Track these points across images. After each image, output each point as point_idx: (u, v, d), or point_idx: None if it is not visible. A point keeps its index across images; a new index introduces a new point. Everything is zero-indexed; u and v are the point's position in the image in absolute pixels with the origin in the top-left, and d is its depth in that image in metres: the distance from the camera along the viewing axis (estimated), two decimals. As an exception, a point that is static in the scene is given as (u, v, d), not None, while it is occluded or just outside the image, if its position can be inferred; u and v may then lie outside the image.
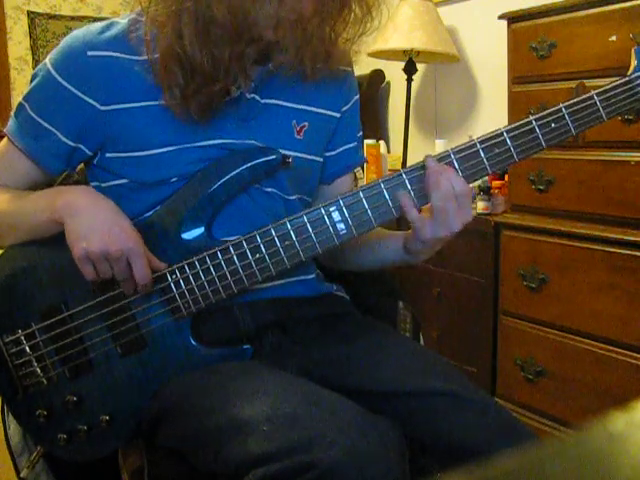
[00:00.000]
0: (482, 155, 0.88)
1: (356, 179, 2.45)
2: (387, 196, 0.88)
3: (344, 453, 0.68)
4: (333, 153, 1.07)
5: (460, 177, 0.87)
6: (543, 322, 1.82)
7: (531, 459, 0.30)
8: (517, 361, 1.89)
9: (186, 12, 0.83)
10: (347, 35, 0.92)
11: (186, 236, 0.91)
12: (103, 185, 0.96)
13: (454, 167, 0.88)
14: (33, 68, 3.62)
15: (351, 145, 1.09)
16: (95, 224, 0.85)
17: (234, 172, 0.91)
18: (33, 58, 3.63)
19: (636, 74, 0.87)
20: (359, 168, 2.52)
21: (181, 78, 0.86)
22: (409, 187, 0.88)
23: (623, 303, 1.61)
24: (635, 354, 1.59)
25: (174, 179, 0.91)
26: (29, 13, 3.61)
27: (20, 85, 3.54)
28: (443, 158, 0.88)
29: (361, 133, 1.12)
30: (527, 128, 0.87)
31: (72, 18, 3.67)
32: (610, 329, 1.64)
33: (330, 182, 1.08)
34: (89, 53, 0.89)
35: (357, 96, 1.09)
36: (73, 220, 0.86)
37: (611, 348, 1.64)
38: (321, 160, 1.04)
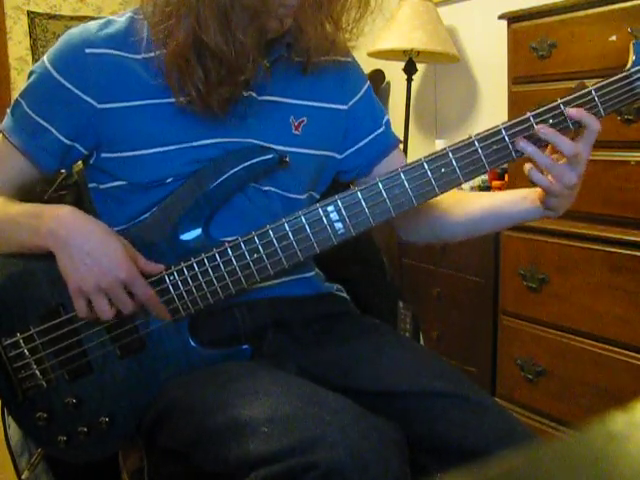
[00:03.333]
0: (480, 152, 0.88)
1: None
2: (385, 195, 0.88)
3: (345, 454, 0.68)
4: (359, 145, 1.06)
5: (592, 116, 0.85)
6: (543, 322, 1.82)
7: (531, 459, 0.30)
8: (517, 361, 1.89)
9: (205, 3, 0.81)
10: (343, 22, 0.92)
11: (183, 237, 0.91)
12: (101, 187, 0.96)
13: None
14: (33, 68, 3.61)
15: (377, 132, 1.07)
16: (83, 258, 0.84)
17: (230, 172, 0.90)
18: (33, 58, 3.63)
19: (635, 68, 0.87)
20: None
21: (201, 72, 0.85)
22: (407, 186, 0.88)
23: (623, 303, 1.61)
24: (635, 354, 1.59)
25: (169, 179, 0.91)
26: (29, 13, 3.61)
27: (20, 85, 3.54)
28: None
29: (387, 117, 1.10)
30: (525, 125, 0.87)
31: (72, 18, 3.67)
32: (610, 329, 1.64)
33: (368, 172, 1.07)
34: (87, 50, 0.89)
35: (367, 84, 1.08)
36: (61, 253, 0.85)
37: (611, 348, 1.64)
38: (333, 155, 1.03)
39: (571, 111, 0.85)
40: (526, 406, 1.88)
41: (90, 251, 0.84)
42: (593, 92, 0.86)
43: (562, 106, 0.87)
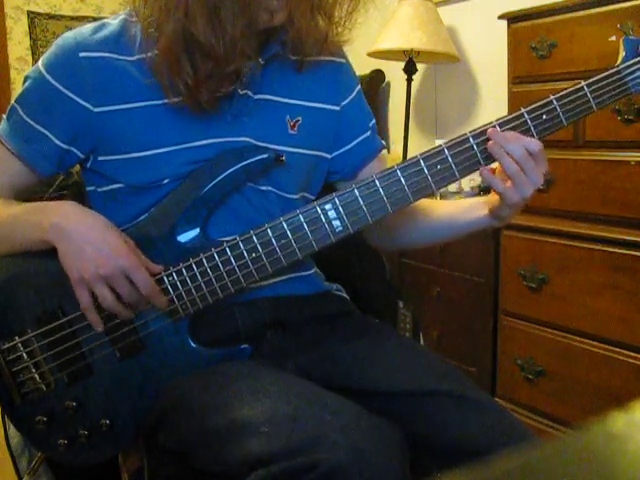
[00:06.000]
0: (475, 149, 0.88)
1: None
2: (382, 192, 0.88)
3: (346, 454, 0.68)
4: (347, 147, 1.06)
5: (528, 138, 0.86)
6: (543, 322, 1.82)
7: (531, 459, 0.30)
8: (517, 361, 1.89)
9: None
10: (336, 15, 0.92)
11: (181, 238, 0.91)
12: (99, 190, 0.96)
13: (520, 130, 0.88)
14: (33, 68, 3.61)
15: (364, 136, 1.07)
16: (85, 247, 0.84)
17: (227, 172, 0.90)
18: (33, 58, 3.63)
19: (624, 64, 0.88)
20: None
21: (189, 67, 0.85)
22: (404, 183, 0.88)
23: (623, 303, 1.61)
24: (635, 354, 1.59)
25: (166, 181, 0.91)
26: (29, 13, 3.62)
27: (20, 85, 3.54)
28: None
29: (374, 121, 1.10)
30: (519, 121, 0.88)
31: (72, 18, 3.67)
32: (610, 329, 1.64)
33: (352, 176, 1.07)
34: (81, 54, 0.89)
35: (358, 87, 1.08)
36: (63, 244, 0.85)
37: (611, 348, 1.64)
38: (325, 155, 1.03)
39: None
40: (526, 406, 1.88)
41: (92, 240, 0.85)
42: (585, 88, 0.87)
43: (555, 102, 0.88)
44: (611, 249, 1.63)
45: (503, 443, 0.79)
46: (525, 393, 1.88)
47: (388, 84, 3.01)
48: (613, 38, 1.58)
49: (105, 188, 0.95)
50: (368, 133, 1.08)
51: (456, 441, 0.82)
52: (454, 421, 0.83)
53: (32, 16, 3.62)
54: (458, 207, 1.01)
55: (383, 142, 1.12)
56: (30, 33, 3.63)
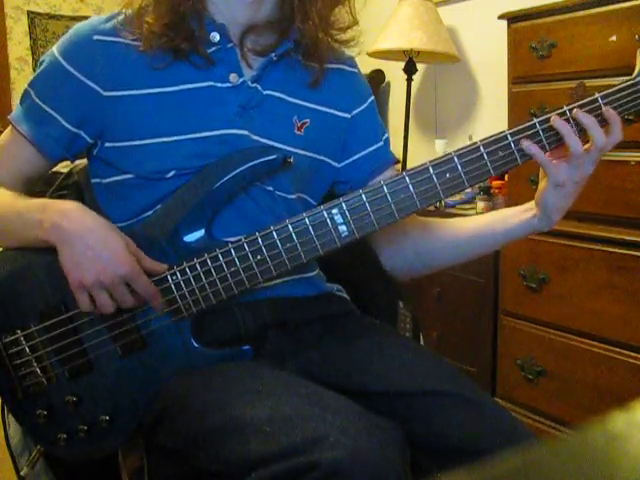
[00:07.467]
0: (485, 158, 0.87)
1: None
2: (390, 199, 0.87)
3: (347, 453, 0.68)
4: (357, 157, 1.05)
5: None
6: (543, 322, 1.82)
7: (531, 459, 0.30)
8: (517, 361, 1.89)
9: None
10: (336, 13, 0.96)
11: (187, 237, 0.91)
12: (104, 182, 0.96)
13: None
14: (33, 68, 3.63)
15: (376, 146, 1.07)
16: (86, 252, 0.84)
17: (234, 172, 0.90)
18: (33, 58, 3.63)
19: None
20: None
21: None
22: (412, 190, 0.87)
23: (623, 303, 1.61)
24: (635, 354, 1.59)
25: (171, 173, 0.91)
26: (29, 13, 3.62)
27: (20, 85, 3.54)
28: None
29: (387, 135, 1.10)
30: (531, 131, 0.87)
31: (72, 18, 3.67)
32: (610, 329, 1.64)
33: (362, 186, 1.07)
34: (95, 37, 0.91)
35: (372, 98, 1.09)
36: (64, 247, 0.85)
37: (611, 348, 1.64)
38: (329, 162, 1.03)
39: (611, 112, 0.85)
40: (526, 406, 1.88)
41: (92, 245, 0.85)
42: (599, 99, 0.86)
43: (568, 113, 0.86)
44: (611, 249, 1.63)
45: (503, 443, 0.79)
46: (525, 393, 1.88)
47: (388, 84, 3.01)
48: (613, 38, 1.58)
49: (110, 179, 0.95)
50: (380, 144, 1.08)
51: (456, 441, 0.82)
52: (454, 421, 0.83)
53: (32, 16, 3.62)
54: (495, 217, 1.01)
55: (397, 158, 1.12)
56: (30, 33, 3.63)
